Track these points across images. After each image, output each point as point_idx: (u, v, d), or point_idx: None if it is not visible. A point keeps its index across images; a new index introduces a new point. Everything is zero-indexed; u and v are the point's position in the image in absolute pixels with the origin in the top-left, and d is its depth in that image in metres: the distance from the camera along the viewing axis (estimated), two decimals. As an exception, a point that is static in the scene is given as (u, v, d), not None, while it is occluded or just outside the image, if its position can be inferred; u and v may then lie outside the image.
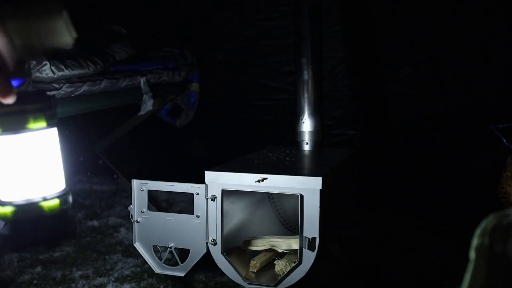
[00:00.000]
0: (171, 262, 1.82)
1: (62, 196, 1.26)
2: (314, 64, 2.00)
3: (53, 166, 1.25)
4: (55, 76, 1.87)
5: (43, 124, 1.18)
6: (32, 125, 1.16)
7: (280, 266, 1.55)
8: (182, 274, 1.55)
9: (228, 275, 1.52)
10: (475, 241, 0.64)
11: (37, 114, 1.16)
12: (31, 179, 1.20)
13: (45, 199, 1.21)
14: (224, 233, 1.50)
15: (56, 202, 1.22)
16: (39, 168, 1.22)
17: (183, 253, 1.58)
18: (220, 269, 1.53)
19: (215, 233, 1.49)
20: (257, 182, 1.45)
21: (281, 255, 1.61)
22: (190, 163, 3.20)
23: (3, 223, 1.51)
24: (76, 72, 1.98)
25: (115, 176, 2.72)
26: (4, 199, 1.17)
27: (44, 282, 1.89)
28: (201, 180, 1.50)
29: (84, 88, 2.02)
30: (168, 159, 3.29)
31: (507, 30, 2.50)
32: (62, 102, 1.95)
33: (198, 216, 1.50)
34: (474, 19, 2.53)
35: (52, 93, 1.86)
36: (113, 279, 1.92)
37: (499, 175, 2.05)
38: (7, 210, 1.16)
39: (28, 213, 1.19)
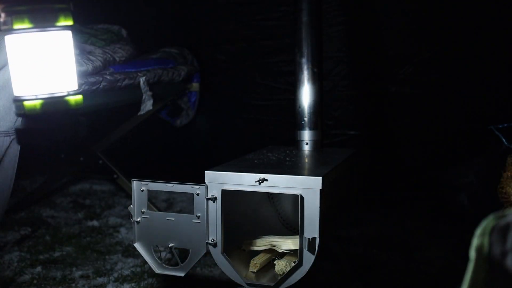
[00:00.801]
0: (171, 262, 1.82)
1: (81, 93, 1.34)
2: (314, 64, 2.00)
3: (72, 65, 1.31)
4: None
5: (69, 22, 1.26)
6: (61, 22, 1.24)
7: (280, 266, 1.55)
8: (182, 274, 1.55)
9: (228, 275, 1.52)
10: (475, 241, 0.64)
11: (66, 12, 1.25)
12: (57, 75, 1.27)
13: (69, 94, 1.28)
14: (224, 233, 1.50)
15: (79, 97, 1.29)
16: (63, 65, 1.28)
17: (183, 253, 1.58)
18: (220, 269, 1.53)
19: (215, 234, 1.49)
20: (257, 183, 1.45)
21: (281, 255, 1.61)
22: (190, 163, 3.20)
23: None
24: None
25: (115, 176, 2.72)
26: (32, 94, 1.23)
27: (44, 282, 1.89)
28: (201, 180, 1.50)
29: (84, 87, 2.02)
30: (168, 159, 3.29)
31: (507, 30, 2.50)
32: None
33: (198, 217, 1.50)
34: (474, 19, 2.53)
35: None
36: (113, 279, 1.92)
37: (499, 175, 2.05)
38: (36, 103, 1.22)
39: (55, 106, 1.26)
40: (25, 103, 1.23)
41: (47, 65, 1.26)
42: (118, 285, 1.87)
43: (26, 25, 1.19)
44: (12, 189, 1.66)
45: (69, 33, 1.31)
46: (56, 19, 1.24)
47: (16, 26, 1.19)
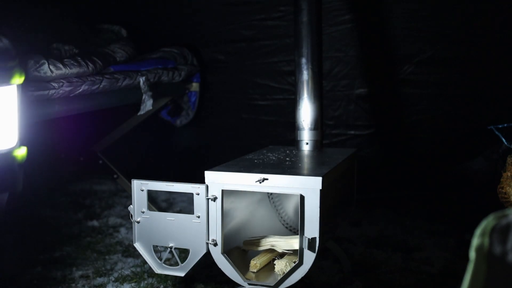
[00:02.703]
0: (171, 262, 1.82)
1: (24, 145, 1.35)
2: (314, 64, 2.00)
3: (15, 119, 1.33)
4: (53, 75, 1.87)
5: (22, 79, 1.27)
6: (16, 79, 1.25)
7: (280, 266, 1.55)
8: (182, 274, 1.55)
9: (228, 275, 1.52)
10: (475, 241, 0.64)
11: (19, 70, 1.26)
12: (5, 131, 1.28)
13: (15, 149, 1.29)
14: (224, 233, 1.50)
15: (24, 151, 1.31)
16: (9, 120, 1.30)
17: (183, 253, 1.58)
18: (220, 269, 1.53)
19: (215, 234, 1.49)
20: (257, 182, 1.45)
21: (281, 255, 1.61)
22: (190, 163, 3.20)
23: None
24: (74, 70, 1.98)
25: (115, 176, 2.72)
26: None
27: (44, 282, 1.89)
28: (201, 180, 1.50)
29: (84, 87, 2.02)
30: (168, 159, 3.29)
31: (507, 30, 2.50)
32: (61, 101, 1.95)
33: (198, 216, 1.50)
34: (474, 20, 2.53)
35: (50, 92, 1.86)
36: (113, 279, 1.92)
37: (499, 175, 2.05)
38: None
39: (4, 161, 1.27)
40: None
41: None
42: (118, 285, 1.87)
43: None
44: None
45: (14, 88, 1.33)
46: (11, 77, 1.26)
47: None
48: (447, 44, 2.59)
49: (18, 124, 1.39)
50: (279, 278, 1.47)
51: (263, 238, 1.66)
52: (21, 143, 1.36)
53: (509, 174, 2.00)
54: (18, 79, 1.27)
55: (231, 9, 2.88)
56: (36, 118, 1.82)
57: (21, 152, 1.34)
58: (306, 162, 1.80)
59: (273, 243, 1.63)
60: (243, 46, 2.90)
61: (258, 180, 1.45)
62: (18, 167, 1.35)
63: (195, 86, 2.97)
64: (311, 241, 1.40)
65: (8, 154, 1.30)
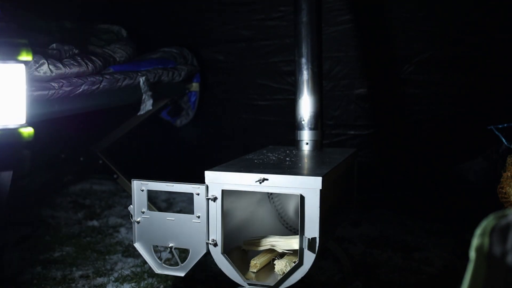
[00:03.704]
0: (171, 262, 1.82)
1: (30, 126, 1.38)
2: (314, 64, 2.00)
3: (23, 98, 1.35)
4: (53, 75, 1.87)
5: (29, 57, 1.30)
6: (23, 56, 1.28)
7: (280, 266, 1.55)
8: (182, 274, 1.55)
9: (228, 275, 1.52)
10: (475, 241, 0.64)
11: (27, 47, 1.28)
12: (11, 108, 1.30)
13: (21, 127, 1.31)
14: (224, 233, 1.50)
15: (31, 130, 1.33)
16: (17, 97, 1.32)
17: (183, 253, 1.58)
18: (220, 269, 1.53)
19: (216, 234, 1.49)
20: (257, 182, 1.45)
21: (281, 255, 1.61)
22: (189, 163, 3.20)
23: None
24: (74, 70, 1.98)
25: (115, 176, 2.72)
26: None
27: (44, 282, 1.89)
28: (201, 180, 1.50)
29: (84, 87, 2.02)
30: (168, 159, 3.29)
31: (507, 30, 2.50)
32: (61, 101, 1.95)
33: (198, 217, 1.50)
34: (474, 19, 2.53)
35: (50, 92, 1.86)
36: (113, 279, 1.92)
37: (499, 175, 2.05)
38: None
39: (9, 138, 1.30)
40: None
41: (3, 96, 1.30)
42: (118, 285, 1.88)
43: None
44: (12, 189, 1.66)
45: (23, 67, 1.35)
46: (18, 53, 1.29)
47: None
48: (447, 44, 2.59)
49: (26, 103, 1.41)
50: (279, 278, 1.47)
51: (263, 238, 1.66)
52: (28, 123, 1.38)
53: (509, 174, 2.00)
54: (26, 56, 1.29)
55: (230, 9, 2.88)
56: (36, 118, 1.82)
57: (28, 131, 1.36)
58: (306, 162, 1.80)
59: (273, 243, 1.63)
60: (243, 46, 2.90)
61: (258, 180, 1.45)
62: (24, 146, 1.37)
63: (195, 86, 2.97)
64: (311, 241, 1.40)
65: (15, 131, 1.31)
